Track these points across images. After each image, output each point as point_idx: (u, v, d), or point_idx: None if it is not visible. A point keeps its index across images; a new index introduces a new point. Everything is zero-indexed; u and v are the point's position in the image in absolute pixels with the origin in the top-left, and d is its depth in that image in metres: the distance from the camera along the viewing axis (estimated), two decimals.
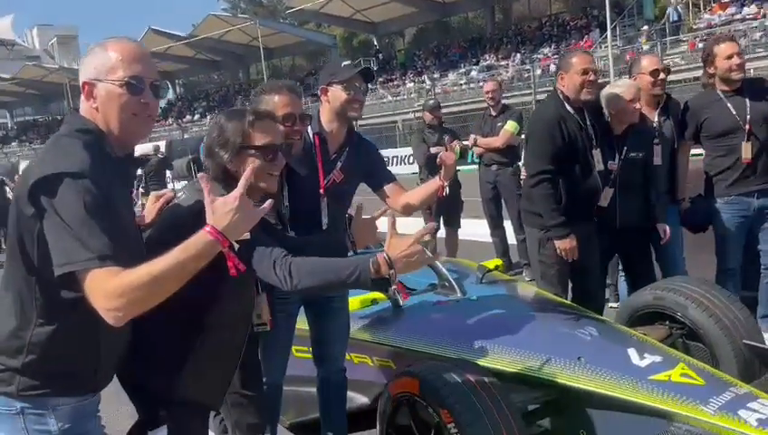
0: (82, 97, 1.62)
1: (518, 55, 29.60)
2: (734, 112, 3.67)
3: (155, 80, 1.66)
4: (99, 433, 1.65)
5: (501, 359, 2.65)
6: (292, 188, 2.68)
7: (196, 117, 42.12)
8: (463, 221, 6.60)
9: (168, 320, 1.80)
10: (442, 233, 6.45)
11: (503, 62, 29.92)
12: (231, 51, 42.23)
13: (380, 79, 35.79)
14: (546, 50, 29.12)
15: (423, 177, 6.35)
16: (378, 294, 3.24)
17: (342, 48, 45.56)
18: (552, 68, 26.89)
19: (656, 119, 3.83)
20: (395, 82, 34.24)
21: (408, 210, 2.83)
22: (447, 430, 2.19)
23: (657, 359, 2.48)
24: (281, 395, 2.97)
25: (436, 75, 32.58)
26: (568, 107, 3.38)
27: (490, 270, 3.59)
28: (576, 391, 2.45)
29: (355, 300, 3.18)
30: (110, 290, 1.39)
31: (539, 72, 25.44)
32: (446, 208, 6.26)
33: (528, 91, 22.40)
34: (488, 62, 30.93)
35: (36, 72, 46.64)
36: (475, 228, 7.33)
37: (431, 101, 6.60)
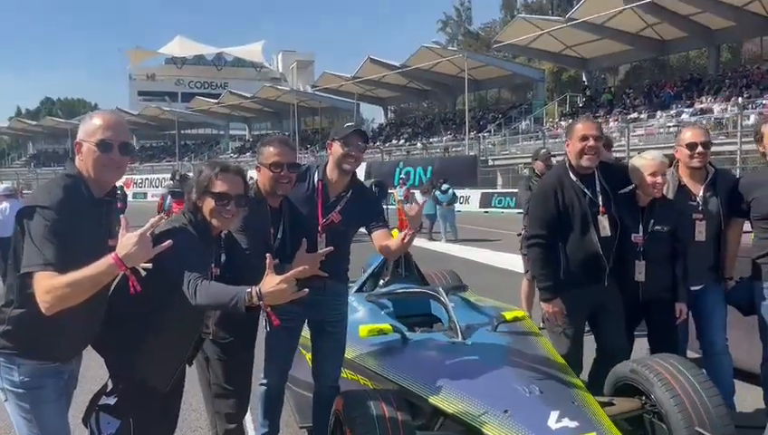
0: (76, 150, 2.35)
1: (739, 99, 26.99)
2: None
3: (123, 142, 2.34)
4: (55, 389, 2.33)
5: (444, 398, 2.94)
6: (294, 223, 3.24)
7: (401, 141, 44.43)
8: None
9: (129, 315, 2.47)
10: None
11: (720, 106, 27.50)
12: (440, 81, 43.98)
13: (584, 116, 34.89)
14: None
15: (525, 223, 6.50)
16: (385, 326, 3.65)
17: (551, 82, 45.15)
18: None
19: (701, 193, 3.73)
20: (599, 120, 33.09)
21: (385, 252, 3.27)
22: None
23: (572, 425, 2.60)
24: (281, 395, 3.53)
25: (643, 115, 30.98)
26: (571, 174, 3.51)
27: (506, 320, 3.80)
28: None
29: (364, 329, 3.62)
30: (44, 287, 2.07)
31: (750, 119, 22.99)
32: None
33: (734, 140, 20.41)
34: (704, 104, 28.62)
35: (272, 93, 52.79)
36: None
37: (543, 151, 6.73)
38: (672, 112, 29.53)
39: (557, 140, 30.95)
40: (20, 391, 2.26)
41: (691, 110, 28.64)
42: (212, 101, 58.75)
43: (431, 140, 41.90)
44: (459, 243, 15.47)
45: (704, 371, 3.12)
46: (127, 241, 2.11)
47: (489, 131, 38.56)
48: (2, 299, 2.30)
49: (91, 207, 2.31)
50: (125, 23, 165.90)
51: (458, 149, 37.71)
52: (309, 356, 3.84)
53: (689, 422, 2.79)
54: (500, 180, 32.84)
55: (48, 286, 2.06)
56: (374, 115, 64.59)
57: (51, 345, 2.29)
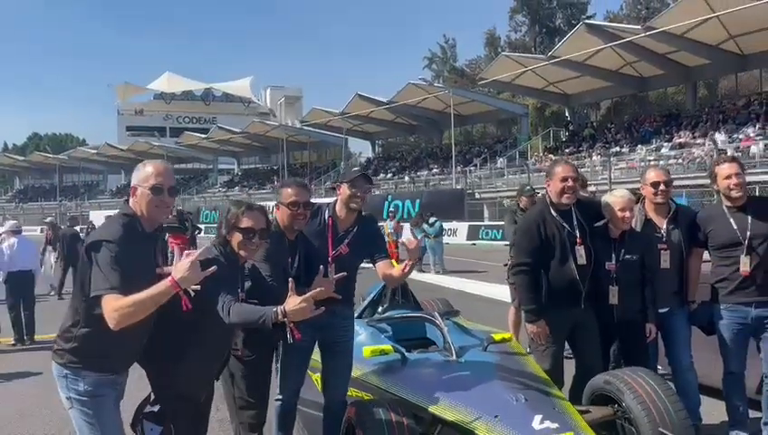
0: (130, 194, 2.78)
1: (716, 134, 27.93)
2: (735, 227, 3.97)
3: (171, 186, 2.78)
4: (112, 397, 2.73)
5: (442, 407, 3.36)
6: (307, 254, 3.68)
7: (389, 175, 45.10)
8: None
9: (171, 334, 2.87)
10: None
11: (698, 140, 28.43)
12: (427, 116, 44.99)
13: (567, 150, 35.77)
14: (750, 130, 27.17)
15: (512, 253, 6.96)
16: (386, 347, 4.07)
17: (534, 117, 46.25)
18: (753, 150, 25.08)
19: (664, 226, 4.22)
20: (582, 154, 33.96)
21: (388, 280, 3.72)
22: None
23: (553, 426, 3.03)
24: (294, 410, 3.91)
25: (624, 149, 31.87)
26: (552, 209, 3.99)
27: (495, 341, 4.24)
28: None
29: (368, 349, 4.03)
30: (112, 307, 2.48)
31: (730, 153, 23.79)
32: None
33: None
34: (682, 139, 29.55)
35: (261, 128, 53.49)
36: None
37: (527, 187, 7.24)
38: (652, 147, 30.45)
39: (541, 174, 31.68)
40: (84, 399, 2.66)
41: (670, 144, 29.56)
42: (201, 135, 59.31)
43: (419, 173, 42.65)
44: (448, 274, 15.92)
45: (668, 381, 3.56)
46: (181, 267, 2.53)
47: (475, 165, 39.37)
48: (69, 320, 2.71)
49: (144, 240, 2.74)
50: (113, 59, 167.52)
51: (446, 182, 38.42)
52: (315, 377, 4.23)
53: (654, 425, 3.22)
54: (486, 213, 33.51)
55: (116, 306, 2.47)
56: (362, 149, 65.49)
57: (110, 359, 2.70)
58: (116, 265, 2.53)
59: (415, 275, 15.17)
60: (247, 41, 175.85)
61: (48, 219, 19.61)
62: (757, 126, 27.23)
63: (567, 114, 41.25)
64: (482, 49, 65.26)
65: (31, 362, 7.61)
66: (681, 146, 28.62)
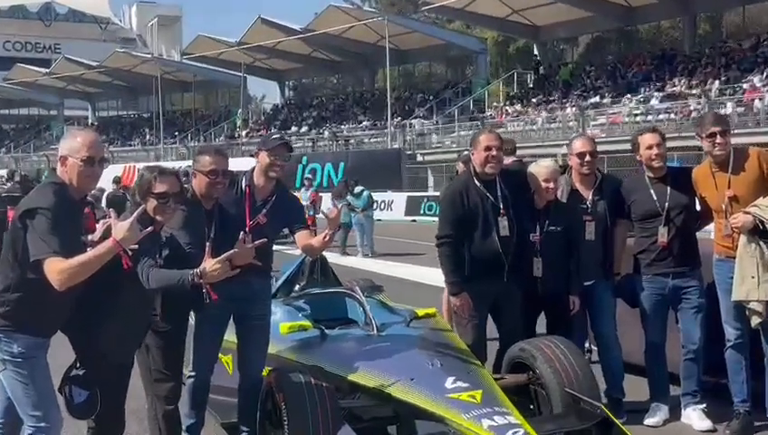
0: (59, 163, 3.91)
1: (716, 82, 30.20)
2: (655, 198, 5.43)
3: (102, 157, 3.94)
4: (43, 358, 3.87)
5: (360, 375, 4.67)
6: (224, 224, 4.87)
7: (304, 128, 45.88)
8: None
9: (92, 299, 4.04)
10: None
11: (694, 91, 30.54)
12: (354, 51, 45.97)
13: (534, 100, 37.59)
14: (756, 78, 29.46)
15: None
16: (304, 323, 5.33)
17: (495, 56, 47.97)
18: (757, 104, 27.39)
19: (590, 197, 5.65)
20: (552, 105, 35.76)
21: (308, 250, 5.00)
22: (280, 407, 4.27)
23: (464, 385, 4.38)
24: (207, 388, 5.13)
25: (606, 100, 33.73)
26: (475, 180, 5.34)
27: (418, 317, 5.58)
28: (398, 401, 4.43)
29: (285, 326, 5.28)
30: (56, 269, 3.61)
31: (727, 108, 26.05)
32: None
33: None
34: (676, 88, 31.64)
35: (126, 61, 53.24)
36: None
37: (465, 153, 8.61)
38: (640, 96, 32.34)
39: (501, 130, 33.17)
40: (18, 360, 3.79)
41: (661, 94, 31.51)
42: (40, 70, 58.27)
43: (342, 127, 43.66)
44: (377, 257, 17.36)
45: (580, 349, 5.00)
46: (121, 228, 3.69)
47: (418, 117, 40.65)
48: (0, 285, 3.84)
49: (73, 207, 3.89)
50: None
51: (378, 139, 39.61)
52: (226, 359, 5.44)
53: (561, 386, 4.62)
54: (431, 181, 34.61)
55: (61, 268, 3.60)
56: (267, 92, 65.75)
57: (42, 323, 3.85)
58: (54, 231, 3.66)
59: (337, 259, 16.41)
60: None
61: None
62: (765, 73, 29.59)
63: (536, 52, 43.07)
64: None
65: None
66: (675, 97, 30.64)
